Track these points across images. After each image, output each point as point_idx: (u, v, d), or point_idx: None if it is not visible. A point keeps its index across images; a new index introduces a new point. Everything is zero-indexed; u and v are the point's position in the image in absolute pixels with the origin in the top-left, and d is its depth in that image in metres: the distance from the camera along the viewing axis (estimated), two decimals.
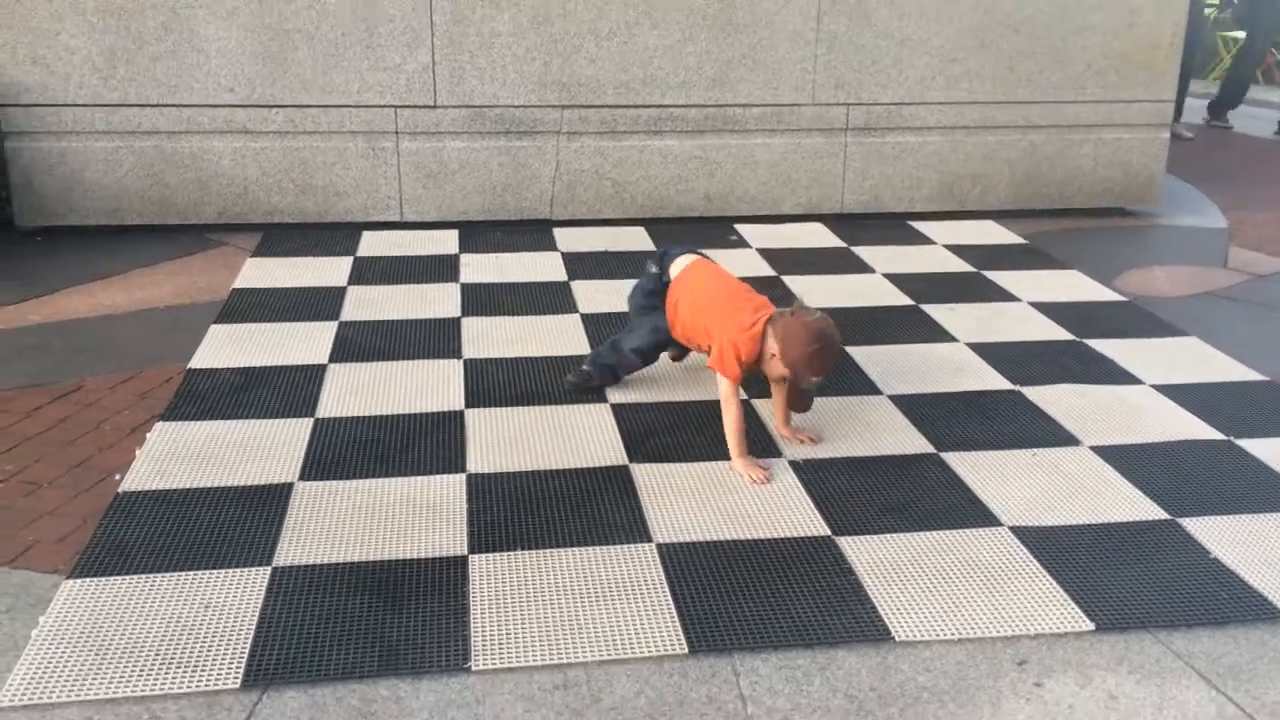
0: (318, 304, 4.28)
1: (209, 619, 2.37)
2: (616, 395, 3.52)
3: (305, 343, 3.89)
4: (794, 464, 3.11)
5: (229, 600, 2.44)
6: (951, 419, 3.42)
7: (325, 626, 2.36)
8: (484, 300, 4.37)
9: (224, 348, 3.83)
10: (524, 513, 2.82)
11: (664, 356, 3.62)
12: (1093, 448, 3.25)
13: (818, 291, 4.49)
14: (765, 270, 4.80)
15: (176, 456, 3.06)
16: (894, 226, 5.57)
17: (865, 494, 2.96)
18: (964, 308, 4.42)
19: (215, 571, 2.54)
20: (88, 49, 4.88)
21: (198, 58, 4.96)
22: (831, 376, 3.06)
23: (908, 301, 4.48)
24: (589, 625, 2.38)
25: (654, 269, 3.44)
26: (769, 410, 3.38)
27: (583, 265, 4.84)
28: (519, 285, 4.55)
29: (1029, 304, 4.48)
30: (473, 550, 2.64)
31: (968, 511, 2.88)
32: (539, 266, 4.81)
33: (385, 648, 2.29)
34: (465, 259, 4.89)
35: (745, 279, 3.38)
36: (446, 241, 5.13)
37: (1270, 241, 5.57)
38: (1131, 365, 3.87)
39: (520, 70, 5.20)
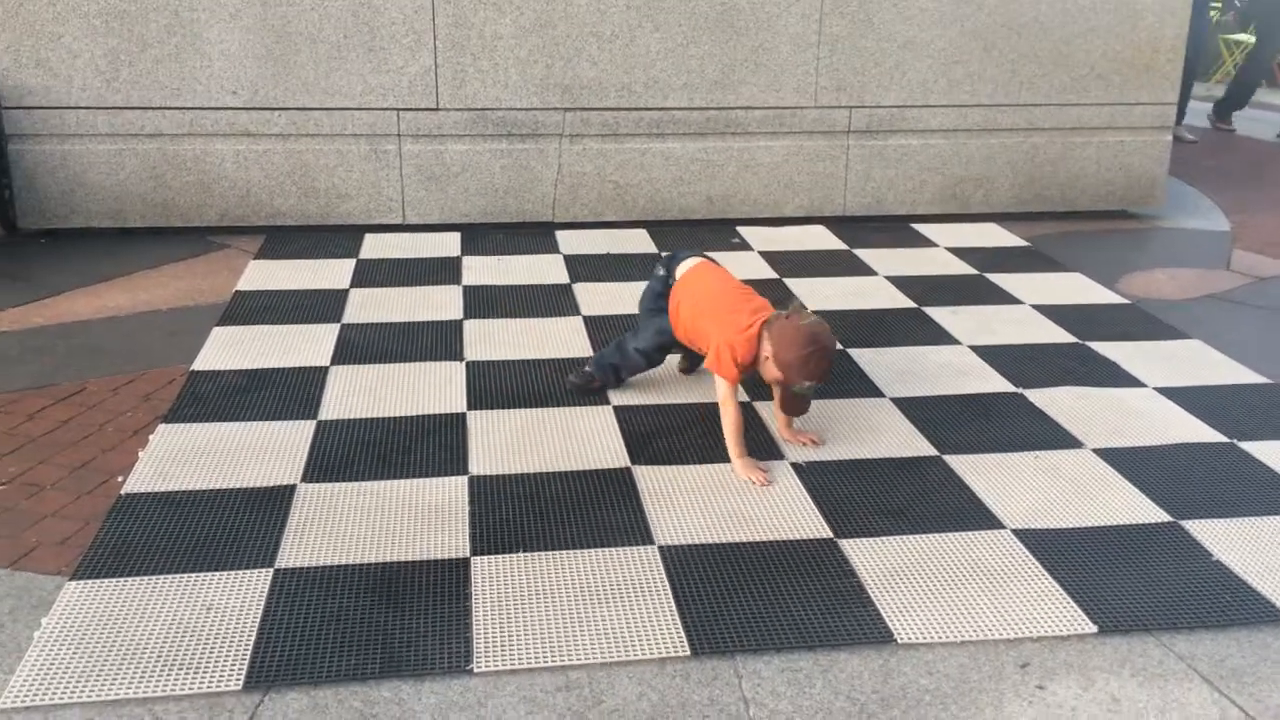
0: (320, 306, 4.28)
1: (211, 620, 2.37)
2: (619, 397, 3.52)
3: (308, 345, 3.89)
4: (796, 466, 3.11)
5: (231, 602, 2.44)
6: (954, 421, 3.41)
7: (327, 628, 2.36)
8: (486, 302, 4.37)
9: (227, 350, 3.84)
10: (526, 515, 2.82)
11: (670, 363, 3.62)
12: (1095, 450, 3.25)
13: (820, 294, 4.50)
14: (767, 273, 4.80)
15: (179, 458, 3.07)
16: (896, 229, 5.57)
17: (867, 496, 2.96)
18: (966, 310, 4.42)
19: (218, 573, 2.54)
20: (91, 51, 4.89)
21: (200, 60, 4.97)
22: (829, 381, 3.05)
23: (910, 304, 4.48)
24: (591, 627, 2.38)
25: (662, 271, 3.45)
26: (770, 412, 3.38)
27: (585, 267, 4.84)
28: (521, 287, 4.55)
29: (1031, 307, 4.48)
30: (475, 552, 2.64)
31: (970, 514, 2.88)
32: (541, 269, 4.81)
33: (387, 649, 2.30)
34: (467, 261, 4.89)
35: (747, 282, 3.38)
36: (449, 244, 5.13)
37: (1273, 244, 5.56)
38: (1134, 368, 3.86)
39: (522, 73, 5.21)
